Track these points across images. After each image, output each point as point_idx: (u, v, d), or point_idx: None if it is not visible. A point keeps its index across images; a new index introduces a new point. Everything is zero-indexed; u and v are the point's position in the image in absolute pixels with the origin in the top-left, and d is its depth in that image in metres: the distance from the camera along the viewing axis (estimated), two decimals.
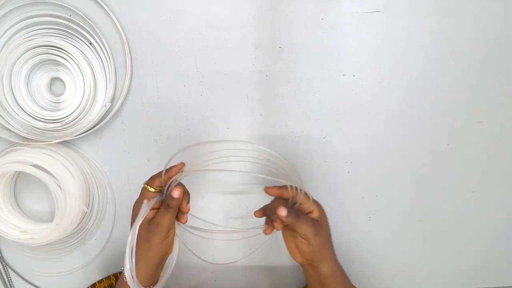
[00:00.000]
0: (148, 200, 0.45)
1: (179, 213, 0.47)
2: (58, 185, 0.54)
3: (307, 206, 0.47)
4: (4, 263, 0.63)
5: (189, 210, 0.47)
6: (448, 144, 0.59)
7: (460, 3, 0.55)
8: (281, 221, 0.44)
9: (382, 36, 0.55)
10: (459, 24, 0.55)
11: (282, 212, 0.43)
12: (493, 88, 0.57)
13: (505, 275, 0.64)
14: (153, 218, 0.46)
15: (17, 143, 0.57)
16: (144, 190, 0.46)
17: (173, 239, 0.48)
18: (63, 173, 0.55)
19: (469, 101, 0.58)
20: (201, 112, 0.58)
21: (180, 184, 0.47)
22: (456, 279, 0.65)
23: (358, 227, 0.62)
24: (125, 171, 0.60)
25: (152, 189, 0.46)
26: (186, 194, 0.47)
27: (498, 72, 0.57)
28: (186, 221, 0.48)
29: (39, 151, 0.55)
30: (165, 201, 0.45)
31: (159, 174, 0.46)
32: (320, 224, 0.47)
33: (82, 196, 0.57)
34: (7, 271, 0.64)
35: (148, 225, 0.45)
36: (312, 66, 0.56)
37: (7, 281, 0.64)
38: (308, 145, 0.59)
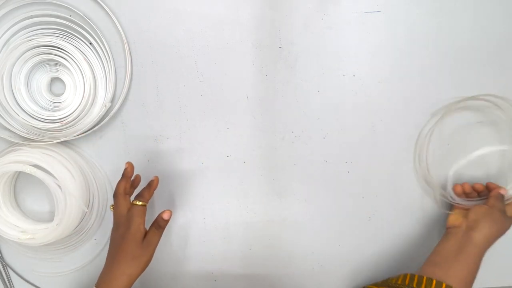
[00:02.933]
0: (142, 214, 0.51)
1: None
2: (58, 185, 0.54)
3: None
4: (4, 263, 0.63)
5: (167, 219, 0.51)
6: (448, 144, 0.59)
7: (460, 3, 0.55)
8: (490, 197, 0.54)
9: (382, 36, 0.55)
10: (459, 24, 0.55)
11: (503, 191, 0.54)
12: (493, 88, 0.57)
13: (505, 275, 0.64)
14: (145, 237, 0.49)
15: (17, 143, 0.57)
16: (136, 208, 0.50)
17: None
18: (63, 173, 0.55)
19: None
20: (201, 112, 0.58)
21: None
22: None
23: (358, 227, 0.62)
24: None
25: (141, 203, 0.51)
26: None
27: (498, 72, 0.57)
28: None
29: (39, 151, 0.55)
30: (156, 222, 0.50)
31: (147, 187, 0.54)
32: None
33: (82, 196, 0.57)
34: (7, 271, 0.64)
35: (142, 244, 0.49)
36: (312, 66, 0.56)
37: (7, 281, 0.64)
38: (308, 145, 0.59)
